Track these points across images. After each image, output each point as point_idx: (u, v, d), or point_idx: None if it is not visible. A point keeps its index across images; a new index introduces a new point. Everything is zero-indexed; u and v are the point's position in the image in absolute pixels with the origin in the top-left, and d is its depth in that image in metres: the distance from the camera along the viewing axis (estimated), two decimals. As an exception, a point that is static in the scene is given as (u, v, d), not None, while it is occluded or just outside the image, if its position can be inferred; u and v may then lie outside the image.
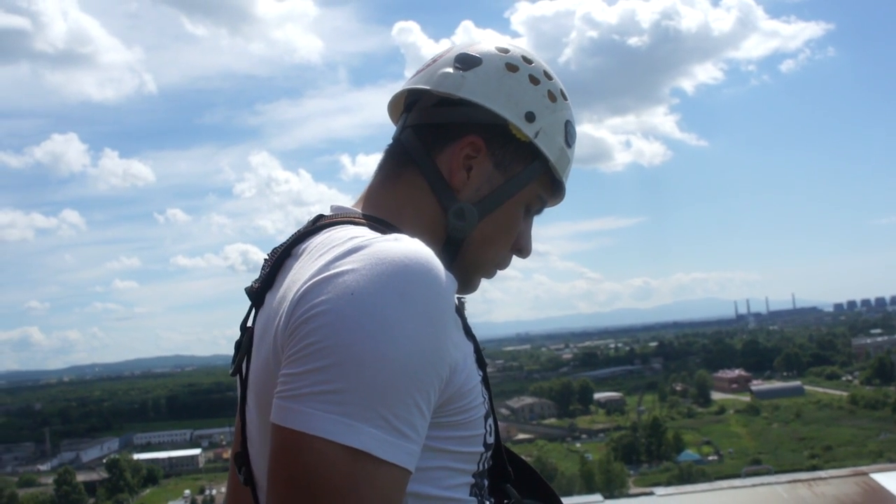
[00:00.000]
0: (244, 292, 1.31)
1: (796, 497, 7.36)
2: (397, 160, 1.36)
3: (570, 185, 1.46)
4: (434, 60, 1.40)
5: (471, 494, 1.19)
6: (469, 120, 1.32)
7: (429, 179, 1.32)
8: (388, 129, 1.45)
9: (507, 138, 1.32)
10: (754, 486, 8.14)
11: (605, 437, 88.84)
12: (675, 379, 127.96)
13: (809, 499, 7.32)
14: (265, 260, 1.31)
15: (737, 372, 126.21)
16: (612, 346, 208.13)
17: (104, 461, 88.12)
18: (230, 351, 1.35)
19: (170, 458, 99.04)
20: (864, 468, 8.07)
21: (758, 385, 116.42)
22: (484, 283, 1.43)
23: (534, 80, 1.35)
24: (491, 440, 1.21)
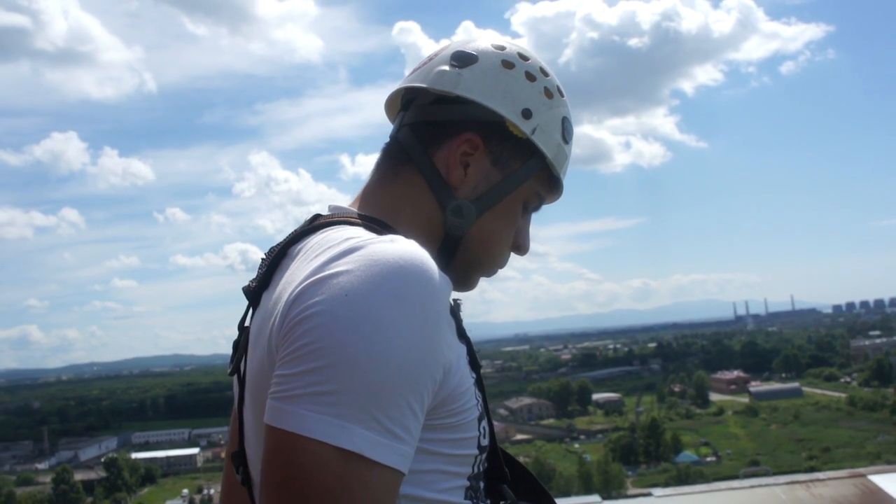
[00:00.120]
0: (242, 292, 1.31)
1: (794, 498, 7.35)
2: (394, 158, 1.36)
3: (569, 185, 1.45)
4: (430, 58, 1.40)
5: (466, 497, 1.19)
6: (466, 117, 1.32)
7: (426, 177, 1.31)
8: (387, 129, 1.46)
9: (505, 135, 1.32)
10: (752, 487, 8.13)
11: (603, 438, 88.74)
12: (673, 380, 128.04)
13: (807, 500, 7.31)
14: (262, 259, 1.31)
15: (735, 373, 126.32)
16: (611, 346, 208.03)
17: (102, 460, 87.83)
18: (229, 350, 1.34)
19: (168, 458, 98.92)
20: (862, 470, 8.06)
21: (756, 386, 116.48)
22: (483, 284, 1.42)
23: (530, 77, 1.35)
24: (485, 442, 1.21)
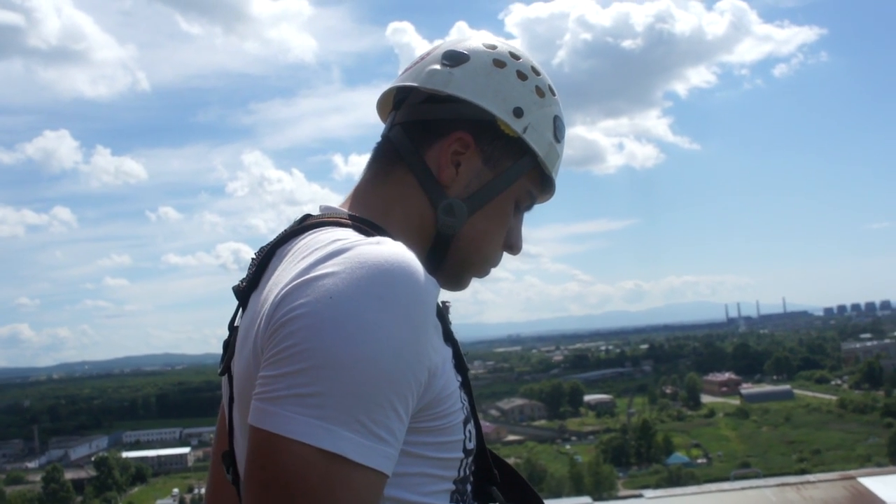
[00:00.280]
0: (232, 291, 1.31)
1: (784, 500, 7.40)
2: (386, 158, 1.36)
3: (561, 187, 1.44)
4: (422, 58, 1.40)
5: (451, 501, 1.18)
6: (457, 116, 1.31)
7: (418, 176, 1.31)
8: (380, 130, 1.45)
9: (496, 134, 1.32)
10: (743, 489, 8.18)
11: (594, 440, 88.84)
12: (665, 382, 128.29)
13: (797, 502, 7.36)
14: (252, 259, 1.31)
15: (727, 375, 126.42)
16: (603, 348, 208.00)
17: (93, 459, 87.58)
18: (220, 350, 1.34)
19: (159, 457, 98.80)
20: (852, 472, 8.11)
21: (747, 388, 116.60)
22: (475, 285, 1.41)
23: (521, 76, 1.35)
24: (471, 446, 1.20)
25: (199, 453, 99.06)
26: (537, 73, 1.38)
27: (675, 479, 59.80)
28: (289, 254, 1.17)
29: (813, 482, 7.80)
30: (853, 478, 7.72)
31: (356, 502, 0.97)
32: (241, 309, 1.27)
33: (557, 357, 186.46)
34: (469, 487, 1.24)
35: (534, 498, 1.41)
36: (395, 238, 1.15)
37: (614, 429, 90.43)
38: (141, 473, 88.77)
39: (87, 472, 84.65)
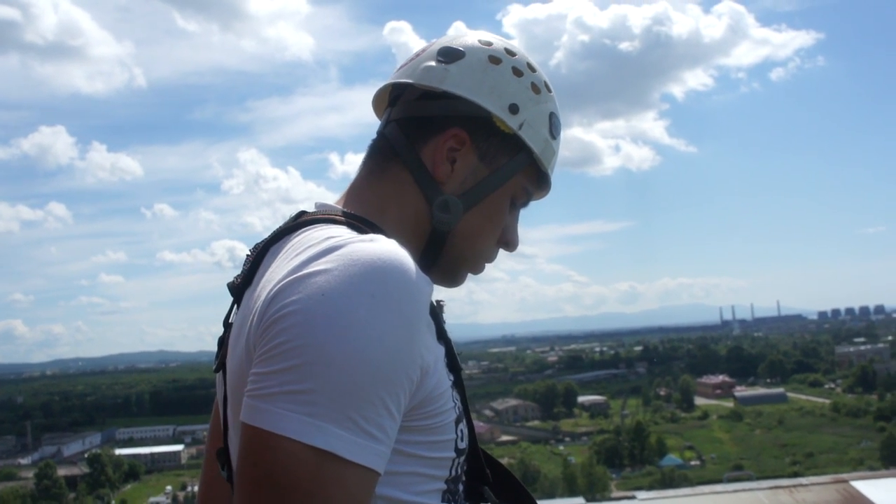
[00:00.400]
0: (227, 288, 1.31)
1: (777, 503, 7.40)
2: (382, 154, 1.35)
3: (558, 188, 1.42)
4: (417, 54, 1.40)
5: (443, 500, 1.18)
6: (452, 113, 1.31)
7: (413, 173, 1.31)
8: (377, 129, 1.45)
9: (492, 130, 1.32)
10: (736, 491, 8.18)
11: (588, 441, 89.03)
12: (659, 383, 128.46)
13: (790, 505, 7.36)
14: (247, 256, 1.30)
15: (721, 378, 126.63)
16: (598, 349, 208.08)
17: (86, 456, 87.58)
18: (215, 347, 1.34)
19: (152, 454, 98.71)
20: (844, 475, 8.11)
21: (741, 391, 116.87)
22: (471, 285, 1.39)
23: (517, 72, 1.35)
24: (463, 445, 1.19)
25: (193, 451, 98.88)
26: (533, 69, 1.38)
27: (669, 480, 59.91)
28: (282, 251, 1.17)
29: (805, 485, 7.80)
30: (846, 481, 7.72)
31: (347, 500, 0.97)
32: (235, 306, 1.27)
33: (552, 358, 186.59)
34: (461, 487, 1.24)
35: (527, 498, 1.40)
36: (389, 235, 1.14)
37: (608, 430, 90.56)
38: (134, 470, 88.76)
39: (80, 469, 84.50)
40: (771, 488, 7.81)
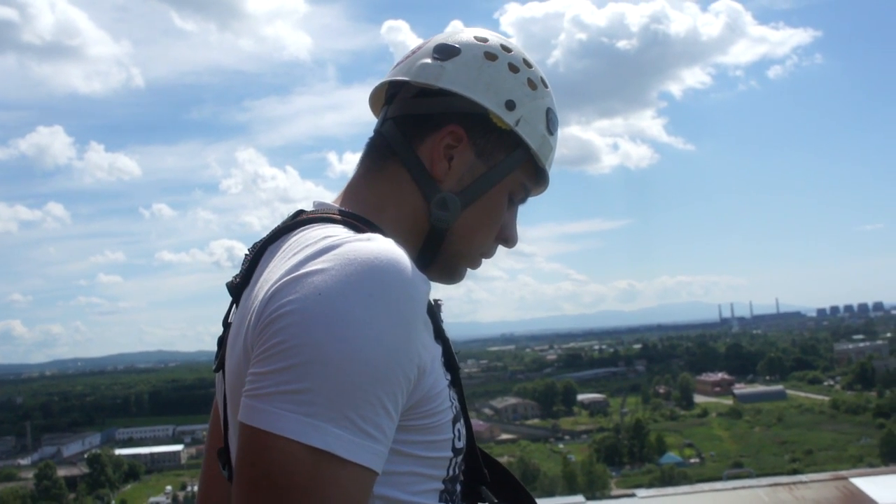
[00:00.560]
0: (226, 287, 1.31)
1: (777, 500, 7.41)
2: (379, 152, 1.35)
3: (556, 186, 1.42)
4: (414, 52, 1.39)
5: (440, 500, 1.18)
6: (449, 110, 1.31)
7: (411, 170, 1.31)
8: (374, 127, 1.45)
9: (489, 127, 1.31)
10: (735, 489, 8.18)
11: (587, 439, 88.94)
12: (658, 381, 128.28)
13: (790, 502, 7.37)
14: (245, 255, 1.30)
15: (720, 375, 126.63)
16: (597, 347, 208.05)
17: (85, 456, 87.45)
18: (214, 347, 1.34)
19: (152, 454, 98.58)
20: (844, 472, 8.12)
21: (740, 388, 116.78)
22: (469, 284, 1.43)
23: (513, 69, 1.34)
24: (460, 445, 1.19)
25: (193, 451, 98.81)
26: (529, 65, 1.37)
27: (668, 478, 59.83)
28: (280, 250, 1.17)
29: (805, 482, 7.81)
30: (845, 478, 7.73)
31: (345, 499, 0.97)
32: (234, 305, 1.27)
33: (551, 356, 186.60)
34: (458, 487, 1.24)
35: (525, 497, 1.40)
36: (388, 233, 1.15)
37: (607, 428, 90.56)
38: (134, 471, 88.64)
39: (79, 470, 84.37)
40: (770, 485, 7.81)
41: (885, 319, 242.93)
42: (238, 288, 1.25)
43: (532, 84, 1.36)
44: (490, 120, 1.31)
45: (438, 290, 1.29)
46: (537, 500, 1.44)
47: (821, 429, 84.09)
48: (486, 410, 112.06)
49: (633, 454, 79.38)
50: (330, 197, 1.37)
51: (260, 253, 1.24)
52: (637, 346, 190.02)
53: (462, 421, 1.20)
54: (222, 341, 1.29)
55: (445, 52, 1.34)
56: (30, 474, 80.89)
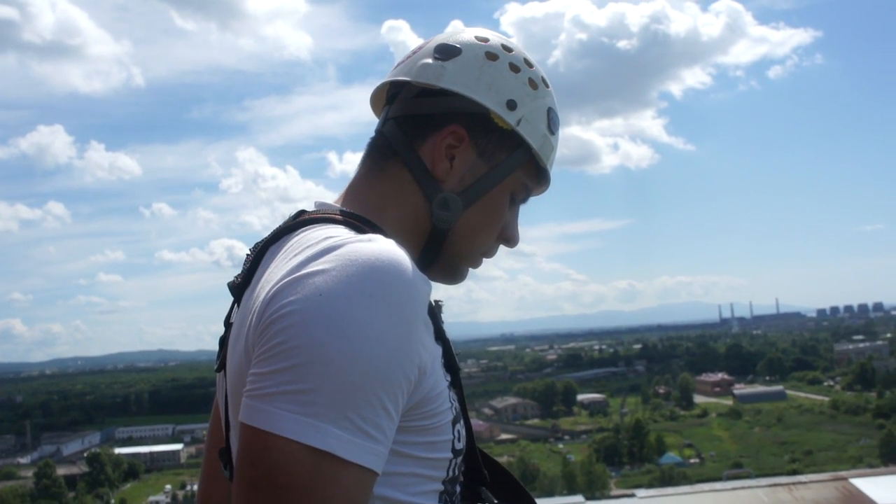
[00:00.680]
0: (227, 287, 1.31)
1: (776, 501, 7.41)
2: (380, 153, 1.35)
3: (556, 186, 1.42)
4: (415, 52, 1.39)
5: (440, 501, 1.18)
6: (450, 110, 1.31)
7: (412, 171, 1.31)
8: (375, 126, 1.44)
9: (490, 127, 1.32)
10: (735, 489, 8.19)
11: (587, 439, 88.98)
12: (658, 381, 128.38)
13: (789, 502, 7.37)
14: (247, 255, 1.31)
15: (720, 375, 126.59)
16: (597, 347, 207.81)
17: (85, 455, 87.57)
18: (214, 346, 1.34)
19: (151, 453, 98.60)
20: (843, 473, 8.13)
21: (740, 389, 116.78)
22: (470, 284, 1.40)
23: (514, 68, 1.34)
24: (460, 446, 1.20)
25: (192, 450, 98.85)
26: (530, 64, 1.37)
27: (668, 478, 59.87)
28: (281, 251, 1.17)
29: (805, 483, 7.82)
30: (845, 479, 7.73)
31: (345, 499, 0.97)
32: (236, 305, 1.27)
33: (551, 356, 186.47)
34: (458, 488, 1.24)
35: (525, 498, 1.41)
36: (389, 234, 1.15)
37: (607, 428, 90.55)
38: (133, 470, 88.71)
39: (79, 468, 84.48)
40: (770, 486, 7.82)
41: (885, 320, 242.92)
42: (239, 288, 1.25)
43: (533, 84, 1.36)
44: (491, 120, 1.31)
45: (439, 291, 1.28)
46: (537, 501, 1.44)
47: (820, 429, 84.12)
48: (486, 410, 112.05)
49: (633, 454, 79.42)
50: (331, 197, 1.37)
51: (261, 253, 1.24)
52: (637, 346, 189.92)
53: (462, 422, 1.21)
54: (223, 341, 1.29)
55: (446, 52, 1.34)
56: (29, 473, 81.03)
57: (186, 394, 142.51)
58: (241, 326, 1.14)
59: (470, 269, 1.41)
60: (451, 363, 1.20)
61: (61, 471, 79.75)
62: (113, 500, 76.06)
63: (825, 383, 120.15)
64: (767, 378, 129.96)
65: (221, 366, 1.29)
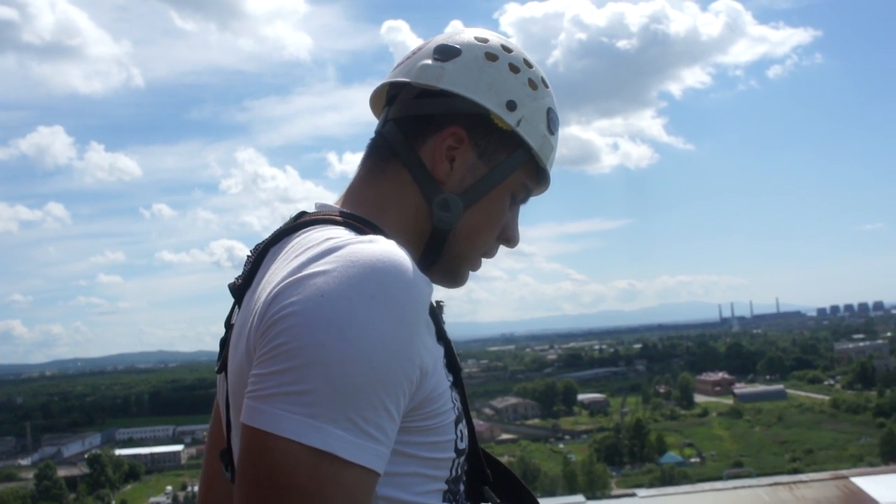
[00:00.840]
0: (228, 289, 1.31)
1: (777, 500, 7.42)
2: (380, 154, 1.35)
3: (556, 186, 1.43)
4: (414, 52, 1.40)
5: (444, 500, 1.18)
6: (450, 111, 1.31)
7: (412, 172, 1.31)
8: (375, 127, 1.44)
9: (490, 128, 1.32)
10: (736, 488, 8.20)
11: (588, 439, 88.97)
12: (658, 381, 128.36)
13: (790, 501, 7.38)
14: (247, 257, 1.31)
15: (720, 375, 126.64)
16: (597, 347, 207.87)
17: (86, 456, 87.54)
18: (214, 347, 1.34)
19: (152, 454, 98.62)
20: (844, 472, 8.14)
21: (741, 388, 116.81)
22: (470, 284, 1.41)
23: (514, 69, 1.34)
24: (463, 445, 1.20)
25: (193, 451, 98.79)
26: (529, 65, 1.38)
27: (668, 478, 59.88)
28: (282, 252, 1.17)
29: (805, 482, 7.83)
30: (845, 477, 7.75)
31: (346, 500, 0.97)
32: (236, 306, 1.27)
33: (551, 356, 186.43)
34: (462, 487, 1.25)
35: (527, 497, 1.41)
36: (390, 235, 1.16)
37: (608, 428, 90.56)
38: (134, 471, 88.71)
39: (80, 470, 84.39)
40: (771, 485, 7.83)
41: (885, 319, 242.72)
42: (240, 289, 1.25)
43: (533, 84, 1.36)
44: (491, 120, 1.31)
45: (439, 292, 1.28)
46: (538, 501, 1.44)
47: (821, 428, 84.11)
48: (487, 410, 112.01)
49: (634, 454, 79.40)
50: (331, 198, 1.37)
51: (262, 255, 1.24)
52: (637, 346, 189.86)
53: (464, 422, 1.21)
54: (224, 342, 1.29)
55: (446, 53, 1.34)
56: (30, 474, 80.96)
57: (187, 395, 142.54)
58: (243, 328, 1.14)
59: (470, 272, 1.42)
60: (452, 364, 1.20)
61: (62, 472, 79.75)
62: (114, 502, 76.07)
63: (825, 382, 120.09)
64: (768, 377, 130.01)
65: (222, 367, 1.29)
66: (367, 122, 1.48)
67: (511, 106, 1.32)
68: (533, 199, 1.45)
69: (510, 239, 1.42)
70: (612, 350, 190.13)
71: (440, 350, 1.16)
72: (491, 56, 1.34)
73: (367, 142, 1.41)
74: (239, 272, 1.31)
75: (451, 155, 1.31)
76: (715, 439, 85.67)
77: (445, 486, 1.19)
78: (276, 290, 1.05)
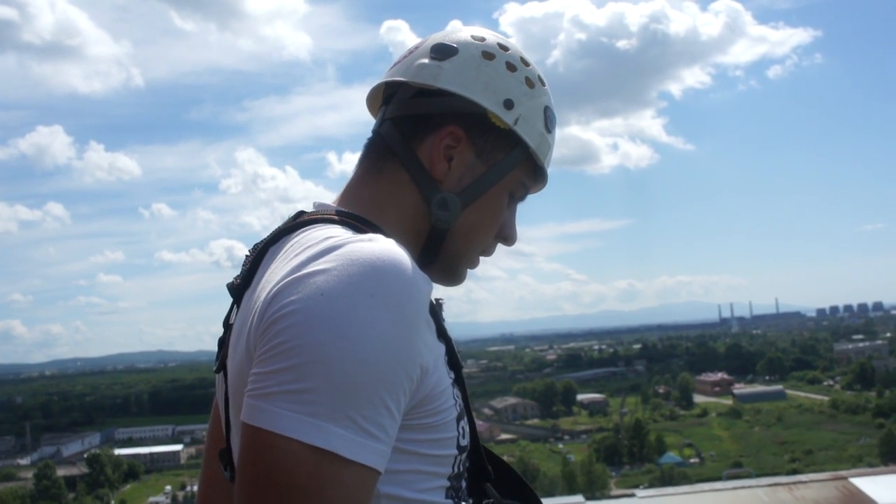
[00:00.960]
0: (226, 288, 1.31)
1: (776, 500, 7.43)
2: (378, 153, 1.35)
3: (555, 186, 1.34)
4: (411, 51, 1.39)
5: (446, 497, 1.19)
6: (448, 110, 1.31)
7: (410, 171, 1.31)
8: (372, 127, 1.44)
9: (487, 127, 1.32)
10: (735, 488, 8.21)
11: (587, 439, 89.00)
12: (658, 381, 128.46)
13: (789, 502, 7.38)
14: (246, 256, 1.31)
15: (719, 375, 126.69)
16: (596, 347, 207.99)
17: (85, 456, 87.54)
18: (214, 347, 1.34)
19: (151, 454, 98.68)
20: (843, 472, 8.14)
21: (740, 388, 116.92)
22: (469, 284, 1.41)
23: (511, 67, 1.35)
24: (465, 442, 1.21)
25: (192, 450, 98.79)
26: (526, 63, 1.38)
27: (668, 478, 59.92)
28: (282, 251, 1.18)
29: (805, 482, 7.83)
30: (845, 478, 7.75)
31: (347, 499, 0.97)
32: (235, 306, 1.27)
33: (550, 356, 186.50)
34: (464, 484, 1.25)
35: (529, 494, 1.41)
36: (388, 234, 1.15)
37: (607, 428, 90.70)
38: (133, 470, 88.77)
39: (79, 469, 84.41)
40: (770, 485, 7.84)
41: (885, 319, 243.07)
42: (239, 289, 1.26)
43: (530, 82, 1.36)
44: (489, 119, 1.31)
45: (439, 290, 1.29)
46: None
47: (820, 429, 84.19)
48: (486, 410, 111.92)
49: (633, 454, 79.45)
50: (330, 197, 1.37)
51: (261, 254, 1.24)
52: (637, 346, 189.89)
53: (466, 419, 1.21)
54: (223, 342, 1.29)
55: (443, 52, 1.34)
56: (29, 474, 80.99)
57: (186, 394, 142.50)
58: (242, 327, 1.14)
59: (468, 270, 1.42)
60: (453, 361, 1.21)
61: (61, 472, 79.74)
62: (113, 501, 76.07)
63: (825, 383, 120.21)
64: (767, 378, 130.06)
65: (221, 367, 1.29)
66: (366, 121, 1.45)
67: (508, 104, 1.32)
68: (533, 200, 1.44)
69: (508, 237, 1.42)
70: (611, 350, 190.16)
71: (441, 348, 1.17)
72: (488, 54, 1.34)
73: (365, 142, 1.42)
74: (238, 272, 1.31)
75: (449, 154, 1.31)
76: (714, 440, 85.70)
77: (447, 483, 1.19)
78: (275, 289, 1.05)
